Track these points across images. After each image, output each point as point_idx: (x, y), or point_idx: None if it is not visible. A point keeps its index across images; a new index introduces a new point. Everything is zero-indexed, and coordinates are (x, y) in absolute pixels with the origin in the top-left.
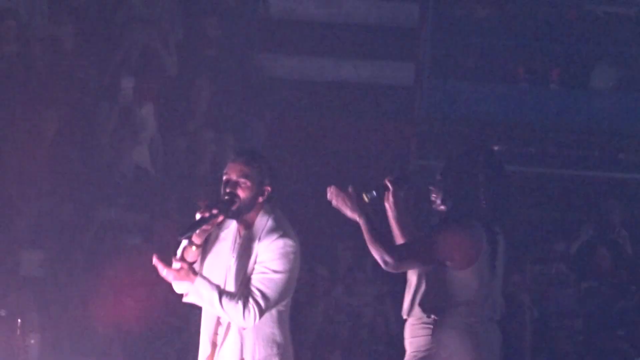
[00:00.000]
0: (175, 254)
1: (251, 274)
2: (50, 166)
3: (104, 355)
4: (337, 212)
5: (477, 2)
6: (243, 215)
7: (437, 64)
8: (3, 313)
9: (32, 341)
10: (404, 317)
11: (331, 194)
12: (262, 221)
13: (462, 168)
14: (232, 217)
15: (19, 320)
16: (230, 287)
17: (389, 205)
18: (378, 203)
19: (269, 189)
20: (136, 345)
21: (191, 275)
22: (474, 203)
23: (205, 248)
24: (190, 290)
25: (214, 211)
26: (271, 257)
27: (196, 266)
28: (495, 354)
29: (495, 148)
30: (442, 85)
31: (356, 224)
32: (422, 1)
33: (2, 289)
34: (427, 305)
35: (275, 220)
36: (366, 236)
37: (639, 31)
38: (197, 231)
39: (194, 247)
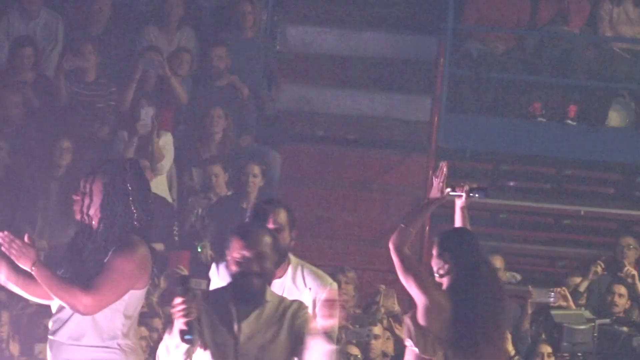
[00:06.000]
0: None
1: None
2: (63, 196)
3: None
4: (350, 245)
5: (495, 37)
6: None
7: (454, 97)
8: None
9: None
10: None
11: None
12: (298, 270)
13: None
14: None
15: None
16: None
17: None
18: None
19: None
20: None
21: None
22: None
23: None
24: None
25: None
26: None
27: None
28: None
29: (512, 184)
30: (458, 119)
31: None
32: (440, 35)
33: None
34: None
35: (309, 265)
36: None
37: None
38: None
39: None
